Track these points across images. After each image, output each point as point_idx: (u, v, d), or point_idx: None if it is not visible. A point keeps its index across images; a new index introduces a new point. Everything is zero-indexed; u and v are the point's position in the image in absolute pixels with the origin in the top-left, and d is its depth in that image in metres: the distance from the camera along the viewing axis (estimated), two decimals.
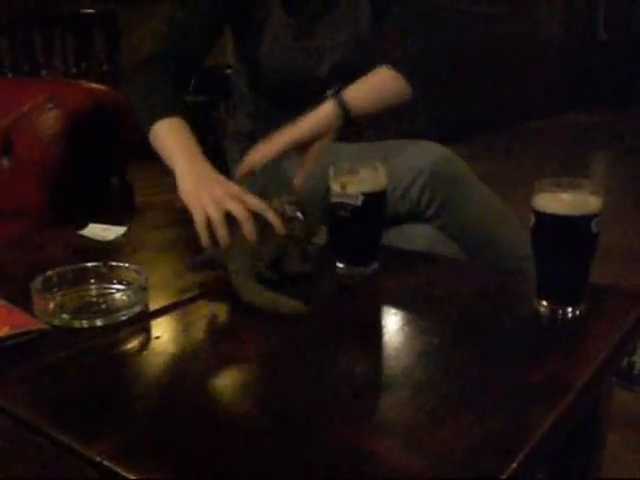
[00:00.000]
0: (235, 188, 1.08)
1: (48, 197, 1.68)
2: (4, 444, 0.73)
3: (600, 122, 7.05)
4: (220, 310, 1.04)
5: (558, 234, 0.92)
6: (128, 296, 0.99)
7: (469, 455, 0.66)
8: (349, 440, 0.68)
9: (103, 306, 1.00)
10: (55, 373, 0.84)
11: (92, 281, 1.04)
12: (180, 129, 1.24)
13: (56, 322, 0.94)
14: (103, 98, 1.79)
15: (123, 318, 0.95)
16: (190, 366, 0.86)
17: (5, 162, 1.76)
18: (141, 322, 0.96)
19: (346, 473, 0.64)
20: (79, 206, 1.67)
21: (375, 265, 1.11)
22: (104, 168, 1.85)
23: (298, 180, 1.26)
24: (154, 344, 0.91)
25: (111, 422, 0.73)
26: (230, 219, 1.05)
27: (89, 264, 1.05)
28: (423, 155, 1.35)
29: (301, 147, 1.28)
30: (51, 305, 0.97)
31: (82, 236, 1.34)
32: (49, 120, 1.69)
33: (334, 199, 1.08)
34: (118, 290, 1.02)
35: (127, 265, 1.04)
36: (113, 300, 1.00)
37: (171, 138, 1.23)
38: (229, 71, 1.81)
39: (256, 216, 1.04)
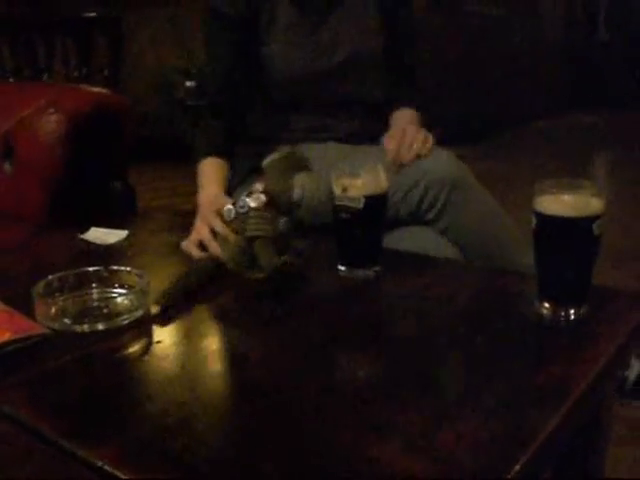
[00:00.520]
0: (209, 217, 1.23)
1: (50, 201, 1.67)
2: (6, 448, 0.73)
3: (601, 122, 7.04)
4: (221, 314, 1.04)
5: (560, 236, 0.92)
6: (130, 300, 0.99)
7: (472, 458, 0.66)
8: (349, 443, 0.68)
9: (105, 310, 0.99)
10: (57, 378, 0.84)
11: (94, 285, 1.04)
12: (217, 168, 1.46)
13: (58, 327, 0.94)
14: (104, 102, 1.79)
15: (125, 322, 0.95)
16: (191, 370, 0.86)
17: (7, 166, 1.76)
18: (143, 326, 0.96)
19: (346, 477, 0.64)
20: (81, 210, 1.67)
21: (377, 267, 1.11)
22: (106, 172, 1.84)
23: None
24: (156, 348, 0.91)
25: (112, 426, 0.73)
26: None
27: (90, 268, 1.05)
28: (425, 159, 1.35)
29: None
30: (53, 310, 0.97)
31: (84, 240, 1.34)
32: (50, 124, 1.69)
33: (335, 202, 1.08)
34: (120, 294, 1.02)
35: (129, 269, 1.04)
36: (115, 304, 1.00)
37: (206, 174, 1.45)
38: None
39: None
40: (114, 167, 1.87)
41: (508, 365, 0.84)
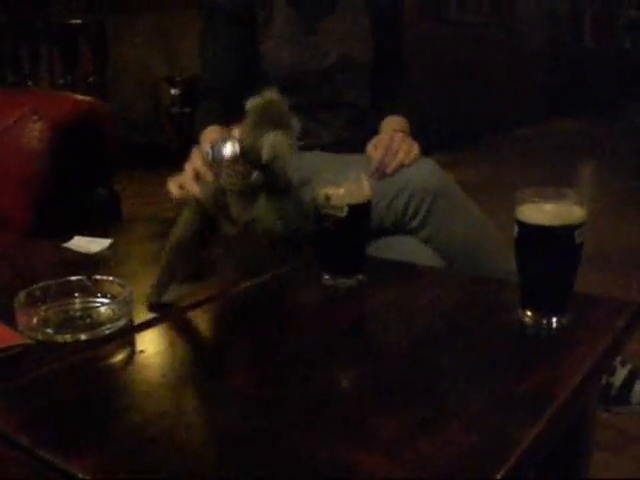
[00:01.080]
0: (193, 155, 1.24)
1: (33, 209, 1.67)
2: None
3: (584, 129, 7.09)
4: (204, 323, 1.04)
5: (541, 245, 0.92)
6: (112, 310, 0.98)
7: (455, 466, 0.66)
8: (332, 452, 0.68)
9: (87, 320, 0.99)
10: (38, 388, 0.83)
11: (76, 295, 1.03)
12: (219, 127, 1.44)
13: (40, 337, 0.93)
14: (89, 110, 1.79)
15: (108, 332, 0.94)
16: (174, 380, 0.86)
17: None
18: (126, 336, 0.95)
19: None
20: (64, 218, 1.66)
21: (361, 276, 1.11)
22: (90, 180, 1.84)
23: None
24: (139, 358, 0.91)
25: (93, 437, 0.72)
26: None
27: (73, 278, 1.04)
28: (408, 168, 1.36)
29: None
30: (35, 320, 0.97)
31: (67, 249, 1.33)
32: (34, 132, 1.68)
33: (318, 211, 1.08)
34: (102, 304, 1.02)
35: (111, 278, 1.04)
36: (97, 314, 0.99)
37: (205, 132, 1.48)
38: None
39: None
40: (98, 174, 1.87)
41: (491, 373, 0.85)
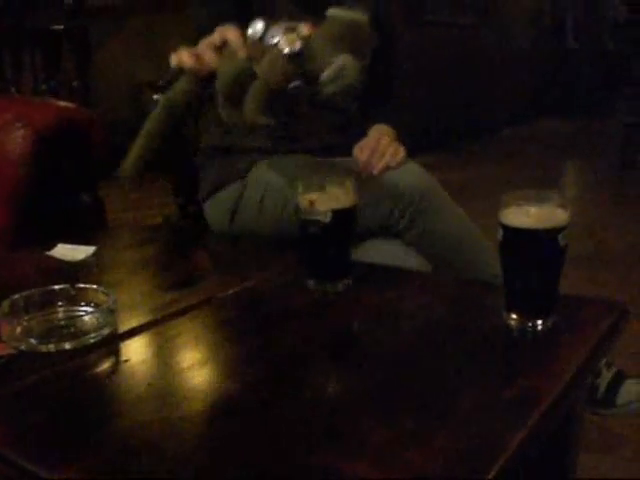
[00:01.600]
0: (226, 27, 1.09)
1: (16, 217, 1.65)
2: None
3: (570, 130, 7.13)
4: (190, 331, 1.03)
5: (525, 248, 0.92)
6: (96, 318, 0.97)
7: (442, 472, 0.66)
8: (320, 459, 0.68)
9: (71, 329, 0.98)
10: (22, 399, 0.82)
11: (60, 304, 1.02)
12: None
13: (23, 347, 0.92)
14: (72, 116, 1.78)
15: (92, 341, 0.94)
16: (159, 389, 0.85)
17: None
18: (110, 345, 0.95)
19: None
20: (48, 226, 1.65)
21: (347, 281, 1.11)
22: (74, 186, 1.83)
23: None
24: (123, 367, 0.90)
25: (77, 448, 0.72)
26: None
27: (56, 287, 1.03)
28: (394, 171, 1.36)
29: None
30: (18, 329, 0.96)
31: (50, 257, 1.32)
32: (17, 139, 1.67)
33: (302, 216, 1.08)
34: (86, 312, 1.01)
35: (95, 287, 1.03)
36: (81, 323, 0.99)
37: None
38: None
39: None
40: (83, 181, 1.86)
41: (477, 378, 0.85)
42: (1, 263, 1.39)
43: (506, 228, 0.93)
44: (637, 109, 4.70)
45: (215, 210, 1.55)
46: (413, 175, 1.35)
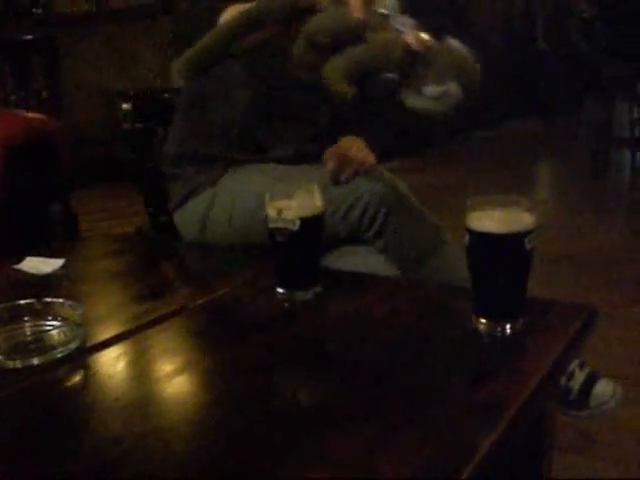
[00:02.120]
0: None
1: None
2: None
3: (542, 131, 7.18)
4: (160, 343, 1.02)
5: (492, 252, 0.93)
6: (64, 333, 0.96)
7: (408, 479, 0.65)
8: (291, 470, 0.68)
9: (38, 344, 0.97)
10: None
11: (26, 319, 1.01)
12: None
13: None
14: (40, 128, 1.77)
15: (59, 355, 0.92)
16: (127, 403, 0.84)
17: None
18: (78, 359, 0.94)
19: None
20: (17, 238, 1.63)
21: (317, 288, 1.11)
22: (43, 197, 1.81)
23: None
24: (92, 381, 0.90)
25: (46, 464, 0.71)
26: None
27: (22, 301, 1.02)
28: (364, 177, 1.36)
29: None
30: None
31: (18, 270, 1.30)
32: None
33: (271, 224, 1.08)
34: (54, 327, 1.00)
35: (62, 301, 1.02)
36: (49, 337, 0.98)
37: None
38: (167, 95, 1.80)
39: None
40: (52, 192, 1.84)
41: (447, 382, 0.85)
42: None
43: (472, 232, 0.93)
44: (607, 109, 4.74)
45: (185, 220, 1.54)
46: (382, 182, 1.36)
